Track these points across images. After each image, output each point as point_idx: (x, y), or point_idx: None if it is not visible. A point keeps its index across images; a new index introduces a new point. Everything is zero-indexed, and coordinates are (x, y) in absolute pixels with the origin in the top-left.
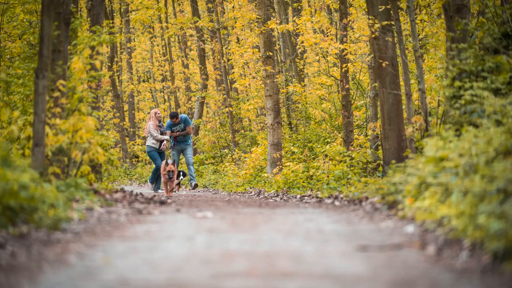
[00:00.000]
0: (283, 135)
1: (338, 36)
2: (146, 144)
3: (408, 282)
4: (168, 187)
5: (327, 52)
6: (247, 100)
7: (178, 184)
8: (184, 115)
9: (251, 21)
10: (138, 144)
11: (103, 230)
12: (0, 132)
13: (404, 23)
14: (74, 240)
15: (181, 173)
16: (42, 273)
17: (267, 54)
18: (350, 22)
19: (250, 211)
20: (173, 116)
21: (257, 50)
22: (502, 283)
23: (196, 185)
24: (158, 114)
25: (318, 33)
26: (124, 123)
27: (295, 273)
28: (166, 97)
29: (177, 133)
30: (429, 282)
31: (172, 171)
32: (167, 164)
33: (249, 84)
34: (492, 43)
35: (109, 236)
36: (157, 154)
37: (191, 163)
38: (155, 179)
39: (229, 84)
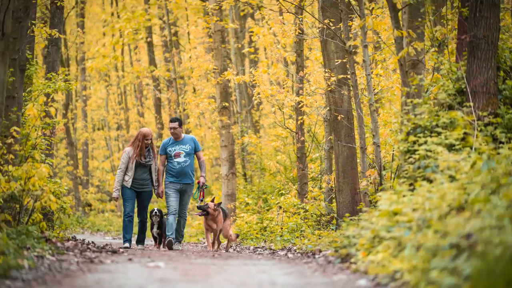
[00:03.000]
0: (237, 186)
1: (294, 88)
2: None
3: None
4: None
5: (283, 104)
6: (202, 150)
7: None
8: (191, 136)
9: (208, 72)
10: (92, 193)
11: (53, 279)
12: None
13: (360, 77)
14: None
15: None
16: None
17: (223, 104)
18: (307, 75)
19: (203, 262)
20: (173, 120)
21: (213, 100)
22: None
23: (170, 242)
24: (147, 136)
25: (274, 84)
26: (78, 171)
27: None
28: (121, 146)
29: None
30: None
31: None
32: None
33: (205, 134)
34: (447, 99)
35: (59, 285)
36: (131, 194)
37: (186, 215)
38: (129, 230)
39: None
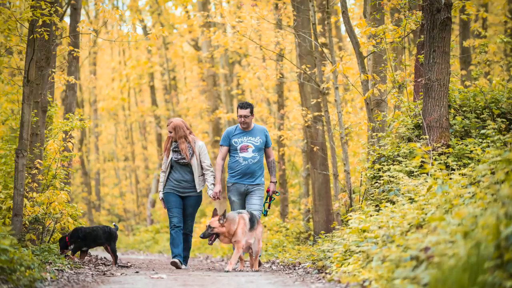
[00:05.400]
0: (228, 208)
1: (276, 124)
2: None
3: None
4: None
5: None
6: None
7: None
8: (263, 127)
9: (202, 110)
10: (103, 215)
11: None
12: None
13: (332, 114)
14: None
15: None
16: None
17: (215, 138)
18: (286, 112)
19: (199, 274)
20: (244, 106)
21: (206, 134)
22: None
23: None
24: (170, 126)
25: (258, 121)
26: (91, 196)
27: None
28: (127, 175)
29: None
30: None
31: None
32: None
33: None
34: (406, 133)
35: None
36: (175, 200)
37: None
38: (178, 243)
39: None
